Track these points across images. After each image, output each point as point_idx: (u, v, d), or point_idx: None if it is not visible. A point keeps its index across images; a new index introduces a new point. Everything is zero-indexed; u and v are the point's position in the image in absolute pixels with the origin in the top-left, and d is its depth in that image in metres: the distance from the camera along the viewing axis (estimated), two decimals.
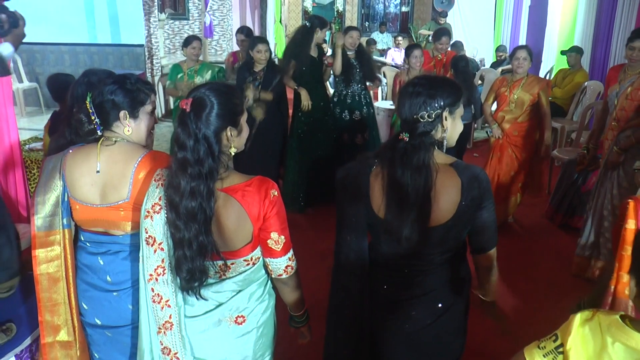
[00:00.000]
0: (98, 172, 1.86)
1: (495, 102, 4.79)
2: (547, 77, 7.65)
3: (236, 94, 1.75)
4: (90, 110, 1.91)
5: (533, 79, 4.57)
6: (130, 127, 1.91)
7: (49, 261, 1.89)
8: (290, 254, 1.80)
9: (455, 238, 1.75)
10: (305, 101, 5.03)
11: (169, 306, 1.74)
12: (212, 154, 1.63)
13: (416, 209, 1.65)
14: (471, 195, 1.68)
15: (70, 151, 1.92)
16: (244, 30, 6.00)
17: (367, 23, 13.88)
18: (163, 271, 1.73)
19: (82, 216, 1.90)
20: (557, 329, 1.33)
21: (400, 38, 10.83)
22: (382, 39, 12.03)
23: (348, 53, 5.22)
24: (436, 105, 1.69)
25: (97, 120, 1.90)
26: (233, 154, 1.73)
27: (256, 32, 10.59)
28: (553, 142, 6.72)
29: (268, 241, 1.75)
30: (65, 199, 1.89)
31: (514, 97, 4.50)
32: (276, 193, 1.73)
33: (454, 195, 1.68)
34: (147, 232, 1.73)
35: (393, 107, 6.42)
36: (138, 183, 1.85)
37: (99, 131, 1.92)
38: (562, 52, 6.79)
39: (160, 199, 1.72)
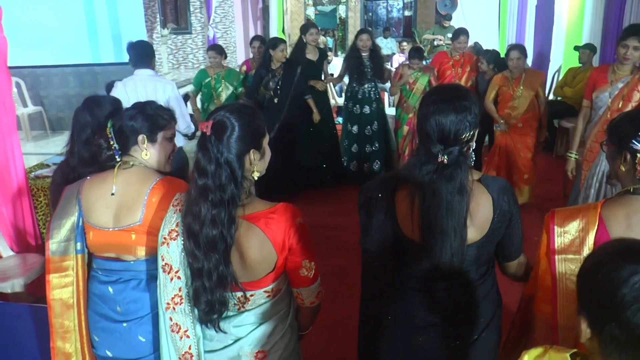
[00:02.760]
0: (113, 194, 1.86)
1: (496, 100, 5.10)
2: (556, 76, 7.52)
3: (258, 115, 1.69)
4: (110, 136, 1.92)
5: (531, 74, 4.96)
6: (148, 152, 1.92)
7: (63, 287, 1.89)
8: (319, 280, 1.75)
9: (489, 252, 1.74)
10: (316, 116, 5.67)
11: (188, 337, 1.70)
12: (235, 180, 1.57)
13: (458, 231, 1.59)
14: (502, 210, 1.66)
15: (89, 178, 1.93)
16: (259, 38, 6.41)
17: (370, 29, 13.78)
18: (180, 300, 1.68)
19: (96, 240, 1.89)
20: None
21: (404, 43, 10.76)
22: (387, 45, 11.96)
23: (362, 54, 5.76)
24: (474, 121, 1.62)
25: (115, 145, 1.91)
26: (256, 178, 1.67)
27: (249, 44, 10.54)
28: (565, 143, 6.63)
29: (300, 271, 1.69)
30: (80, 223, 1.89)
31: (517, 94, 4.87)
32: (302, 220, 1.67)
33: (487, 212, 1.65)
34: (163, 260, 1.69)
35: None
36: (151, 206, 1.83)
37: (117, 157, 1.92)
38: (576, 48, 6.64)
39: (177, 225, 1.67)
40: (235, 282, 1.61)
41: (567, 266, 1.68)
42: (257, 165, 1.65)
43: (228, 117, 1.58)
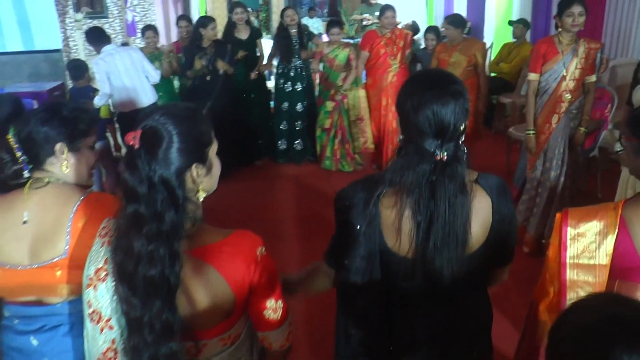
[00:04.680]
0: (25, 222, 1.50)
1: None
2: (489, 52, 7.55)
3: (201, 117, 1.35)
4: (15, 146, 1.52)
5: (469, 42, 5.18)
6: (68, 163, 1.56)
7: None
8: (289, 317, 1.47)
9: (488, 258, 1.52)
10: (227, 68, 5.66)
11: None
12: (175, 204, 1.24)
13: (461, 239, 1.38)
14: (501, 213, 1.46)
15: None
16: (186, 18, 6.54)
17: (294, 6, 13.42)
18: (115, 355, 1.34)
19: (6, 283, 1.51)
20: None
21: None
22: (313, 24, 11.64)
23: (291, 31, 5.90)
24: (468, 108, 1.40)
25: (24, 157, 1.52)
26: (201, 199, 1.34)
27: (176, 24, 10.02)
28: (504, 118, 6.68)
29: (265, 312, 1.40)
30: None
31: (451, 61, 5.07)
32: (264, 251, 1.37)
33: (487, 216, 1.45)
34: (90, 306, 1.34)
35: None
36: (78, 233, 1.49)
37: (26, 172, 1.53)
38: (510, 22, 6.71)
39: (106, 262, 1.33)
40: (185, 331, 1.30)
41: (579, 274, 1.52)
42: (202, 182, 1.32)
43: (162, 123, 1.24)
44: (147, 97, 4.96)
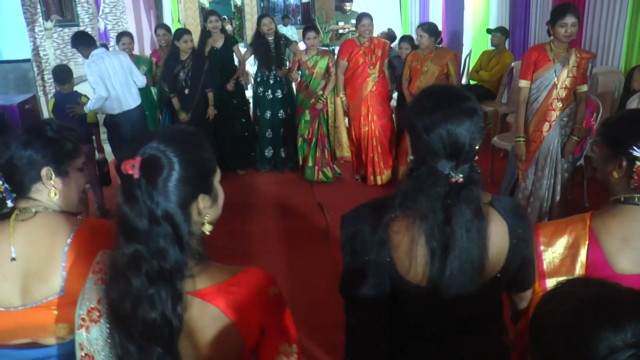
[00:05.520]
0: (14, 259, 1.36)
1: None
2: (468, 60, 7.57)
3: (204, 143, 1.23)
4: None
5: (441, 51, 5.18)
6: (57, 189, 1.42)
7: None
8: None
9: (506, 285, 1.48)
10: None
11: None
12: (179, 240, 1.11)
13: (477, 266, 1.31)
14: (518, 238, 1.39)
15: None
16: (164, 26, 6.54)
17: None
18: None
19: None
20: None
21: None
22: (287, 32, 11.57)
23: (268, 39, 5.87)
24: (482, 126, 1.33)
25: (6, 186, 1.38)
26: (208, 232, 1.21)
27: (154, 33, 9.85)
28: (487, 126, 6.67)
29: (277, 357, 1.25)
30: None
31: (424, 70, 5.11)
32: (275, 290, 1.24)
33: (503, 241, 1.37)
34: (82, 349, 1.21)
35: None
36: (75, 267, 1.36)
37: (9, 202, 1.39)
38: (488, 31, 6.73)
39: (99, 302, 1.20)
40: None
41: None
42: (208, 214, 1.19)
43: (163, 150, 1.11)
44: (133, 99, 5.04)
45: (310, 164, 5.88)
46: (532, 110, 3.82)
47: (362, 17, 5.51)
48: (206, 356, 1.18)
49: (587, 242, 1.49)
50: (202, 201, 1.17)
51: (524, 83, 3.82)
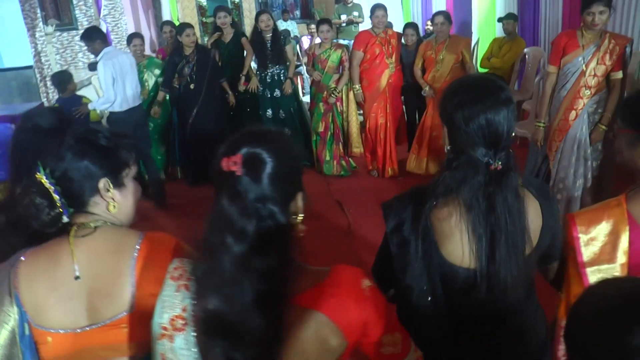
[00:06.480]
0: (77, 277, 1.28)
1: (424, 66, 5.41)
2: (476, 49, 7.46)
3: (292, 143, 1.21)
4: (51, 189, 1.29)
5: (455, 40, 5.22)
6: (115, 202, 1.36)
7: None
8: (412, 346, 1.30)
9: (539, 259, 1.55)
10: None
11: None
12: (284, 240, 1.09)
13: (520, 247, 1.39)
14: (550, 214, 1.47)
15: (23, 258, 1.31)
16: (169, 23, 6.62)
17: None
18: None
19: (61, 349, 1.29)
20: None
21: (312, 26, 10.33)
22: (287, 27, 11.43)
23: (266, 35, 5.74)
24: (516, 113, 1.43)
25: (63, 200, 1.28)
26: (302, 233, 1.17)
27: (153, 33, 9.75)
28: None
29: (383, 350, 1.23)
30: (26, 332, 1.28)
31: (440, 59, 5.13)
32: (369, 283, 1.19)
33: (537, 219, 1.45)
34: None
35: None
36: (144, 282, 1.30)
37: (65, 217, 1.29)
38: (499, 20, 6.62)
39: (184, 309, 1.15)
40: None
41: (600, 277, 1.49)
42: (300, 212, 1.17)
43: (261, 147, 1.09)
44: (139, 98, 5.11)
45: (327, 157, 5.81)
46: (560, 97, 3.71)
47: (376, 8, 5.42)
48: None
49: (627, 227, 1.45)
50: (299, 199, 1.16)
51: (551, 69, 3.72)
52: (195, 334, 1.14)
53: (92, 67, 5.90)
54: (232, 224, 1.06)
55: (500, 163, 1.33)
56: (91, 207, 1.35)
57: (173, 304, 1.17)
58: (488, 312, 1.49)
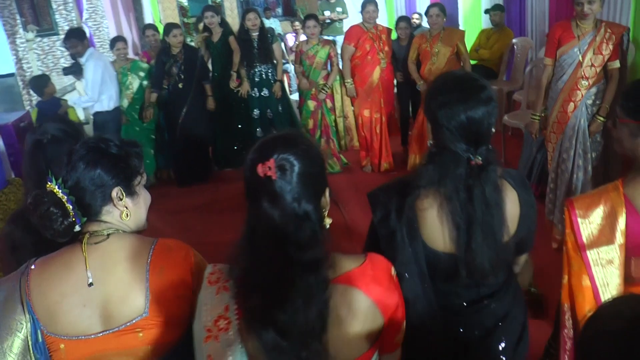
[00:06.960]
0: (91, 284, 1.31)
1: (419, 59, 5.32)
2: None
3: (313, 143, 1.31)
4: (64, 198, 1.31)
5: (449, 32, 5.18)
6: (128, 210, 1.39)
7: None
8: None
9: (516, 248, 1.61)
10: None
11: None
12: (322, 232, 1.19)
13: (499, 235, 1.48)
14: (526, 204, 1.57)
15: (33, 267, 1.34)
16: (152, 26, 6.60)
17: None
18: None
19: (74, 357, 1.32)
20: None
21: (297, 23, 10.26)
22: (270, 25, 11.35)
23: (252, 34, 5.69)
24: (497, 111, 1.49)
25: (75, 210, 1.30)
26: (328, 226, 1.24)
27: (135, 36, 9.60)
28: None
29: (396, 337, 1.35)
30: (39, 339, 1.30)
31: (435, 51, 5.08)
32: (394, 272, 1.33)
33: (515, 209, 1.54)
34: None
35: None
36: (158, 286, 1.34)
37: (78, 226, 1.34)
38: (486, 11, 6.62)
39: (226, 309, 1.21)
40: None
41: (602, 260, 1.55)
42: (327, 206, 1.26)
43: (289, 152, 1.16)
44: (117, 101, 5.32)
45: None
46: (557, 89, 3.65)
47: (367, 3, 5.38)
48: (352, 339, 1.23)
49: (624, 210, 1.51)
50: (327, 194, 1.25)
51: (547, 61, 3.68)
52: (236, 332, 1.19)
53: (67, 71, 5.86)
54: (276, 225, 1.13)
55: (480, 158, 1.42)
56: (104, 216, 1.37)
57: (214, 306, 1.22)
58: (471, 297, 1.60)
